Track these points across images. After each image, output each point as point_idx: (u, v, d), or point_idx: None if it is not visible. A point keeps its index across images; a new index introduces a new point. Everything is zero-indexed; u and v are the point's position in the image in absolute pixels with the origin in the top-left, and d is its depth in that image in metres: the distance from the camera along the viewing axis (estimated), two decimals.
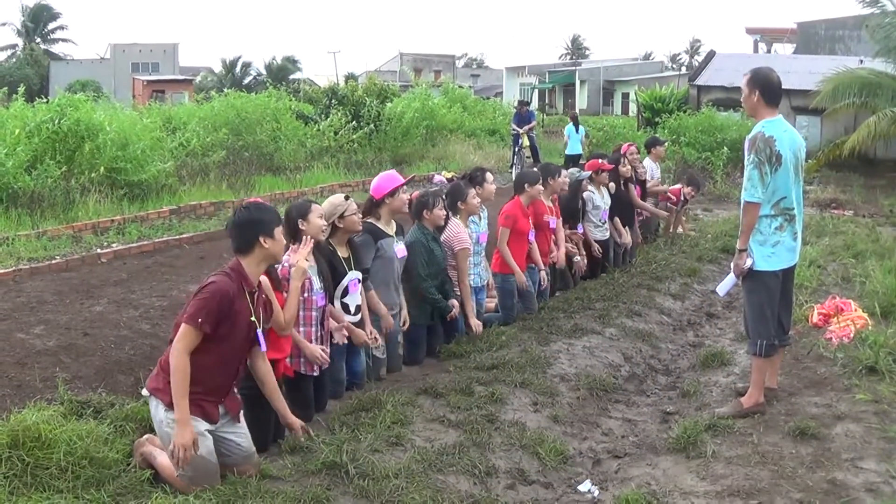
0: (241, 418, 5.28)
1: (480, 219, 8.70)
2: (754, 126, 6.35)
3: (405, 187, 7.42)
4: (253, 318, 5.13)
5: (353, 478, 5.06)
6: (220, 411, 5.14)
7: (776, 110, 6.37)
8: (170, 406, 4.91)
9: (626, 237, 11.88)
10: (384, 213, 7.30)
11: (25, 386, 6.81)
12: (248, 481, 4.95)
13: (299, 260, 5.81)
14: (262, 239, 5.10)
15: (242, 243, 5.14)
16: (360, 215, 6.87)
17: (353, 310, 6.77)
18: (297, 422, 5.59)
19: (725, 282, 6.81)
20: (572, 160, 22.13)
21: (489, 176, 8.77)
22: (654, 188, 13.64)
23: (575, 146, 23.89)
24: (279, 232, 5.21)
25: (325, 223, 6.37)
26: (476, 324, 8.23)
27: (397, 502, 4.85)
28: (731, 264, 6.49)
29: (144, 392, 5.31)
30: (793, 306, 7.13)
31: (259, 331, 5.19)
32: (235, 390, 5.30)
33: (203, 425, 4.99)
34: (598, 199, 11.21)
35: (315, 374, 6.26)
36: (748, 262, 6.28)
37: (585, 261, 10.89)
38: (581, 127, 25.12)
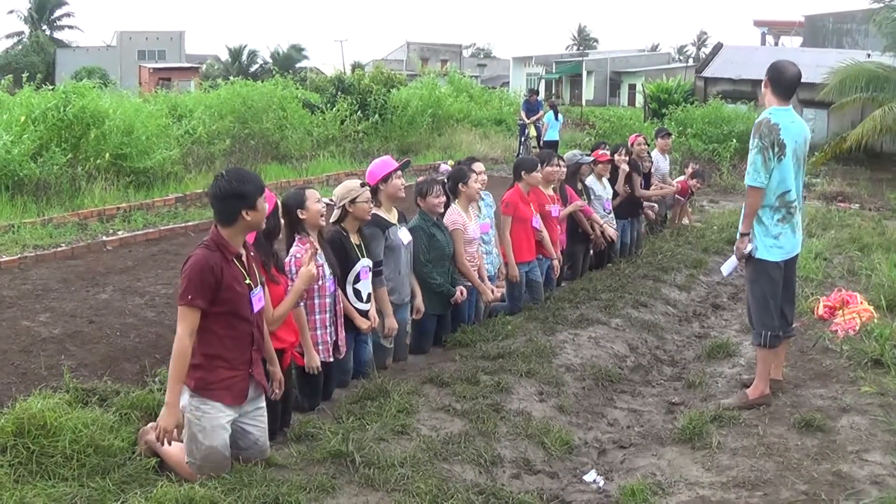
0: (264, 400, 5.26)
1: (480, 209, 8.67)
2: (761, 112, 6.37)
3: (400, 173, 7.38)
4: (248, 282, 5.01)
5: (359, 466, 5.07)
6: (250, 389, 5.10)
7: (787, 103, 6.37)
8: (195, 391, 4.91)
9: (610, 230, 11.12)
10: (383, 200, 7.27)
11: (31, 374, 6.83)
12: (253, 469, 4.95)
13: (308, 266, 5.74)
14: (244, 212, 4.89)
15: (224, 216, 4.93)
16: (372, 205, 6.85)
17: (364, 297, 6.77)
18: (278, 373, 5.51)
19: (728, 262, 6.83)
20: (550, 146, 22.52)
21: (477, 165, 8.71)
22: (661, 191, 13.46)
23: (553, 133, 24.35)
24: (262, 201, 4.98)
25: (324, 207, 6.32)
26: (486, 289, 8.28)
27: (402, 491, 4.85)
28: (734, 247, 6.51)
29: None
30: (795, 298, 7.12)
31: (253, 293, 5.04)
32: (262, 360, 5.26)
33: (226, 417, 4.98)
34: (599, 188, 11.17)
35: (327, 360, 6.25)
36: (749, 247, 6.30)
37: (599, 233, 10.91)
38: (560, 115, 25.81)
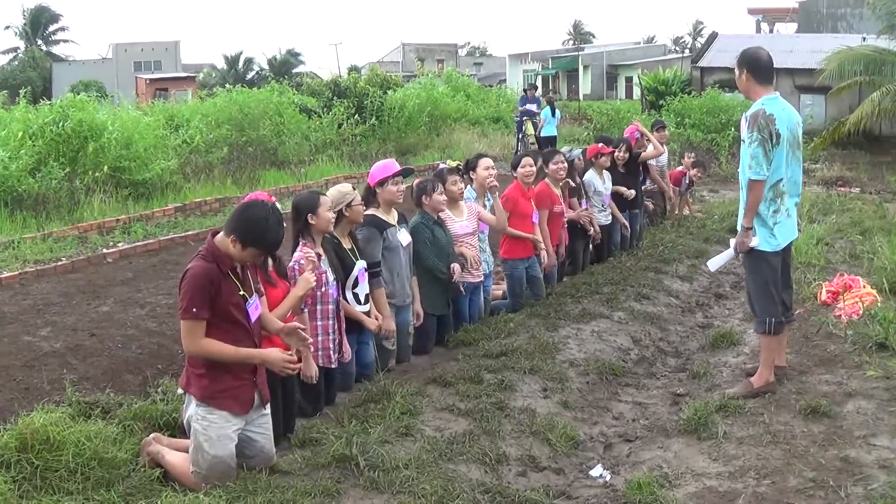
0: (268, 407, 5.25)
1: (485, 206, 8.65)
2: (754, 103, 6.32)
3: (400, 179, 7.33)
4: (242, 293, 4.98)
5: (364, 470, 5.05)
6: (255, 397, 5.10)
7: (771, 88, 6.36)
8: (202, 400, 4.91)
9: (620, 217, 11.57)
10: (382, 202, 7.26)
11: (33, 389, 6.80)
12: (258, 477, 4.93)
13: (308, 273, 5.73)
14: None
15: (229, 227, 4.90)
16: (364, 206, 6.84)
17: (363, 299, 6.76)
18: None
19: (720, 257, 6.79)
20: (548, 142, 22.60)
21: (484, 161, 8.67)
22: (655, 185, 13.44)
23: (550, 129, 24.30)
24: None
25: (333, 214, 6.31)
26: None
27: (408, 493, 4.83)
28: (735, 241, 6.44)
29: (179, 390, 5.31)
30: (792, 282, 7.11)
31: (248, 304, 5.00)
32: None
33: (232, 427, 4.97)
34: (599, 183, 11.09)
35: (328, 366, 6.24)
36: (754, 241, 6.25)
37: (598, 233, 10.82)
38: (557, 111, 25.76)
